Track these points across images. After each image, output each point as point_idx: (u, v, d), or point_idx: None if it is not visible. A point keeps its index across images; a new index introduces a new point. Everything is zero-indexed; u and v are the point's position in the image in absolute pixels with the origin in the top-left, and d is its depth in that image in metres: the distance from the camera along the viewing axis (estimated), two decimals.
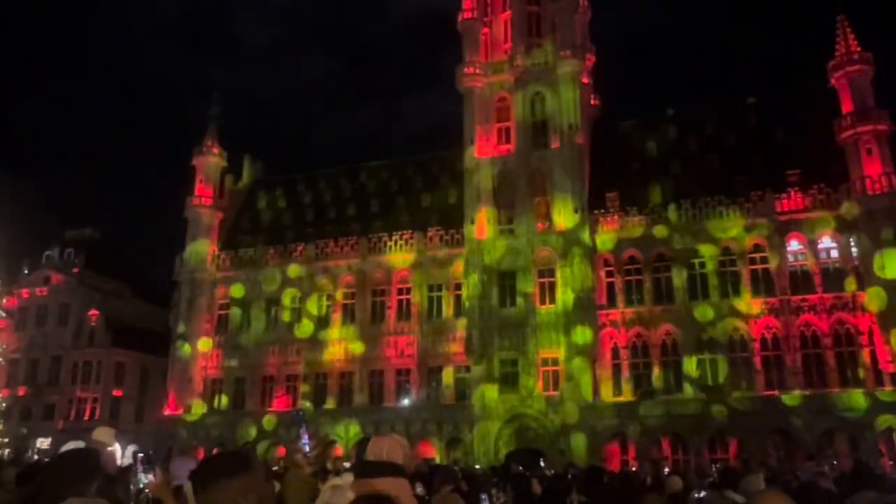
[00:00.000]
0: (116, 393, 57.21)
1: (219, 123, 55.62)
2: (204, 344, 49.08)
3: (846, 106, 40.31)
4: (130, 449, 51.64)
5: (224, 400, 48.80)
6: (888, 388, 35.45)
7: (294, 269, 48.68)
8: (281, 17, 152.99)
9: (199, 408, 48.24)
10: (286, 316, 48.58)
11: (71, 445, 5.71)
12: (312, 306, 47.99)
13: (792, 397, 36.46)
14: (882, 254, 36.29)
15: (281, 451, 43.40)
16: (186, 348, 48.67)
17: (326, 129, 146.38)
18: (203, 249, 51.84)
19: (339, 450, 42.30)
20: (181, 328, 50.04)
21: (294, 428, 41.74)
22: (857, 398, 35.57)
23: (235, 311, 50.27)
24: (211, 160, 54.14)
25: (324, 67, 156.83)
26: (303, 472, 6.86)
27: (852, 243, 38.47)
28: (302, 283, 48.61)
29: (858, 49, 40.94)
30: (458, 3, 48.07)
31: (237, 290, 50.29)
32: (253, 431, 45.30)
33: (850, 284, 37.76)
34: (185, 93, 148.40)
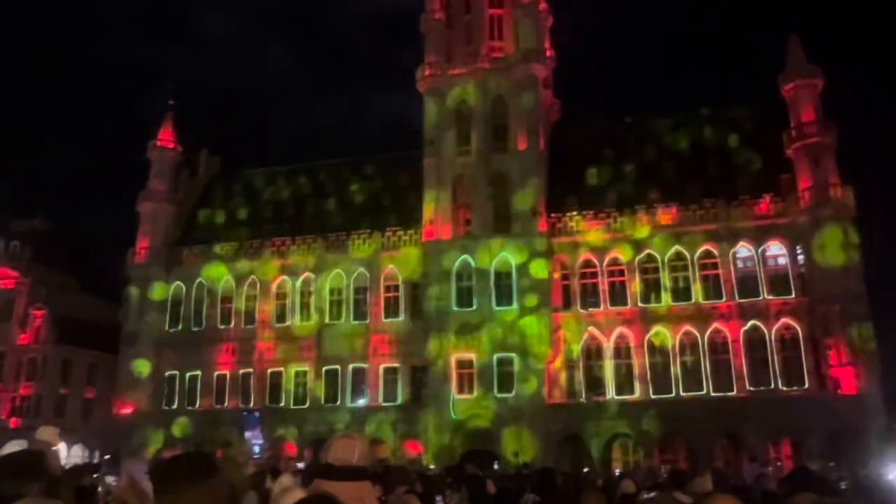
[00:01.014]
0: (63, 391, 55.63)
1: (176, 116, 54.65)
2: (141, 366, 47.60)
3: (795, 119, 41.56)
4: (76, 449, 50.41)
5: (175, 399, 47.90)
6: (830, 393, 36.66)
7: (250, 267, 48.08)
8: (244, 9, 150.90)
9: (148, 407, 47.27)
10: (241, 313, 47.96)
11: (14, 445, 5.56)
12: (269, 304, 47.50)
13: (739, 400, 37.45)
14: (825, 257, 37.47)
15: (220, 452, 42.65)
16: (141, 368, 47.30)
17: (289, 124, 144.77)
18: (155, 244, 50.83)
19: (293, 448, 41.94)
20: (131, 325, 48.99)
21: (247, 427, 41.18)
22: (801, 402, 36.66)
23: (188, 308, 49.42)
24: (166, 154, 53.15)
25: (287, 62, 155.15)
26: (240, 472, 6.74)
27: (799, 251, 39.68)
28: (258, 281, 48.04)
29: (807, 64, 42.24)
30: (421, 3, 48.13)
31: (190, 287, 49.44)
32: (205, 430, 44.53)
33: (796, 291, 38.99)
34: (144, 83, 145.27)
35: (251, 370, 46.60)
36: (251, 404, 45.34)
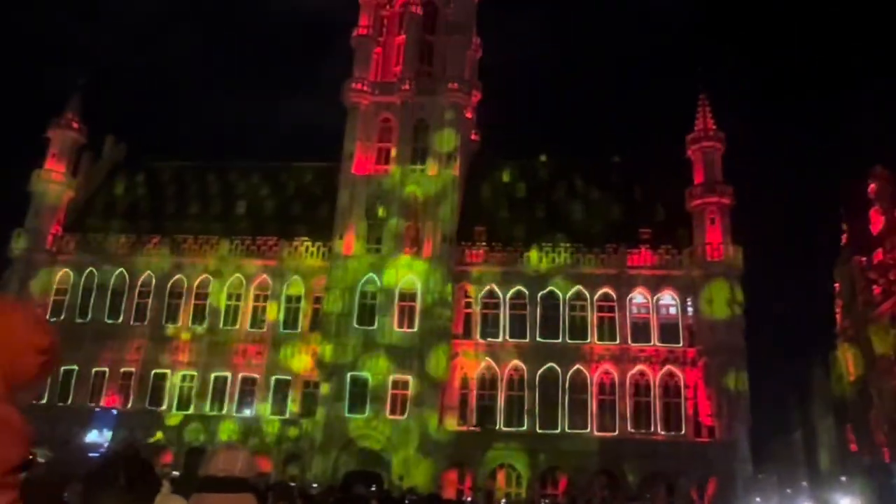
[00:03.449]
0: None
1: (84, 97, 52.09)
2: None
3: (698, 177, 43.99)
4: None
5: (45, 394, 44.91)
6: (704, 440, 38.59)
7: (146, 262, 46.07)
8: None
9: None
10: (131, 310, 45.73)
11: None
12: (160, 303, 45.54)
13: (620, 441, 38.81)
14: (711, 311, 39.70)
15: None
16: None
17: (203, 121, 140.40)
18: (45, 227, 47.96)
19: (169, 457, 40.16)
20: None
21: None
22: (677, 447, 38.40)
23: (74, 299, 46.69)
24: (69, 134, 50.41)
25: (208, 59, 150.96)
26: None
27: (689, 302, 41.76)
28: (153, 278, 46.00)
29: (714, 128, 44.95)
30: (353, 17, 48.21)
31: (78, 276, 46.83)
32: (74, 429, 41.86)
33: (683, 340, 40.98)
34: (45, 57, 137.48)
35: (133, 370, 44.38)
36: (129, 405, 43.19)
